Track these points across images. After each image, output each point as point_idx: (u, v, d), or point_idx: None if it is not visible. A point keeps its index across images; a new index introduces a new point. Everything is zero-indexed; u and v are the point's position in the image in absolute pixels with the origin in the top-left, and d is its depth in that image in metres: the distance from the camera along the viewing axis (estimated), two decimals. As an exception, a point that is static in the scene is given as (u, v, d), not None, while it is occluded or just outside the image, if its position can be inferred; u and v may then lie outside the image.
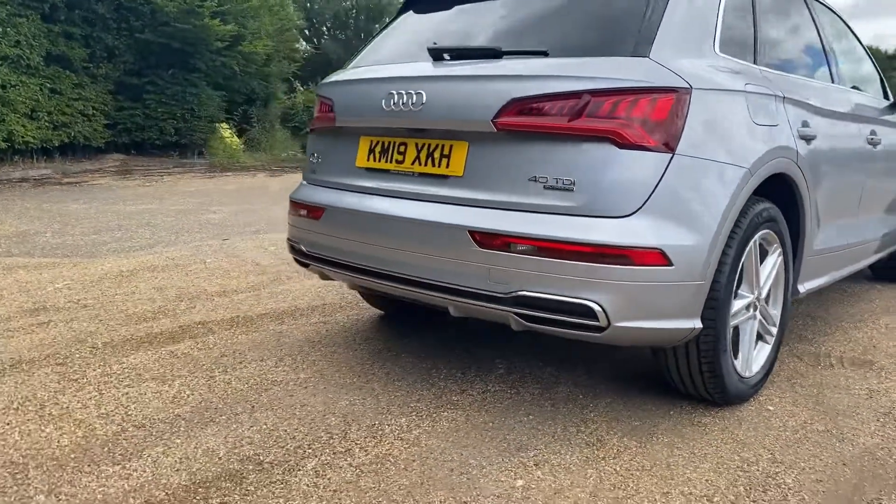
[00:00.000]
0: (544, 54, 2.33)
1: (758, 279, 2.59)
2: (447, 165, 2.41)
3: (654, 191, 2.12)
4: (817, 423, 2.51)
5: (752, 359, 2.65)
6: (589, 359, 3.10)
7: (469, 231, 2.27)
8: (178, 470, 2.11)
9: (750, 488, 2.05)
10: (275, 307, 3.89)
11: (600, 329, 2.14)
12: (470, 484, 2.05)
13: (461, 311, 2.46)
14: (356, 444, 2.29)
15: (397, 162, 2.57)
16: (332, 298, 4.10)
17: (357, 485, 2.04)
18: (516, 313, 2.24)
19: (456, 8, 2.87)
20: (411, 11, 3.09)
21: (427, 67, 2.53)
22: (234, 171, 14.30)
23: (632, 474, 2.12)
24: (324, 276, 3.00)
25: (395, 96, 2.50)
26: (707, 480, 2.09)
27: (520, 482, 2.07)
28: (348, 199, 2.70)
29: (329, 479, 2.07)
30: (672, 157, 2.14)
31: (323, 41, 34.75)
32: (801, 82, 3.03)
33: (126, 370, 2.90)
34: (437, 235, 2.36)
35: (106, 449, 2.23)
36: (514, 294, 2.20)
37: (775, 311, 2.77)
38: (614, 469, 2.15)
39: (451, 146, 2.41)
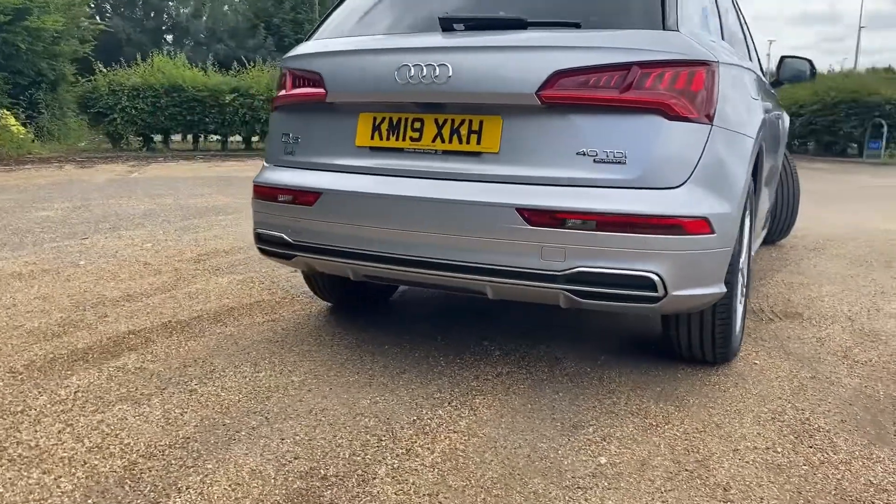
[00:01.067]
0: (576, 26, 2.29)
1: (750, 241, 2.78)
2: (478, 142, 2.30)
3: (698, 161, 2.18)
4: (802, 371, 2.75)
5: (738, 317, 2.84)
6: (571, 332, 3.14)
7: (518, 209, 2.18)
8: (237, 499, 1.82)
9: (798, 437, 2.20)
10: (204, 309, 3.48)
11: (657, 299, 2.16)
12: (557, 467, 1.99)
13: (501, 294, 2.36)
14: (413, 443, 2.12)
15: (412, 140, 2.40)
16: (261, 295, 3.76)
17: (447, 484, 1.90)
18: (571, 290, 2.19)
19: None
20: None
21: (442, 38, 2.38)
22: (34, 164, 12.57)
23: (694, 437, 2.18)
24: (310, 268, 2.74)
25: (412, 69, 2.32)
26: (758, 434, 2.21)
27: (602, 459, 2.04)
28: (353, 181, 2.47)
29: (413, 483, 1.90)
30: (711, 129, 2.21)
31: (107, 18, 31.62)
32: (751, 63, 3.28)
33: (78, 394, 2.44)
34: (476, 215, 2.24)
35: (129, 487, 1.86)
36: (571, 271, 2.16)
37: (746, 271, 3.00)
38: (675, 434, 2.19)
39: (480, 121, 2.30)
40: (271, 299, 3.69)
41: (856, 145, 15.58)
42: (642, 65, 2.14)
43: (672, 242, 2.13)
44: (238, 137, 18.05)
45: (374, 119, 2.47)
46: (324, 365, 2.75)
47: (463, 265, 2.30)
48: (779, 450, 2.11)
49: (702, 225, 2.17)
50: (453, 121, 2.33)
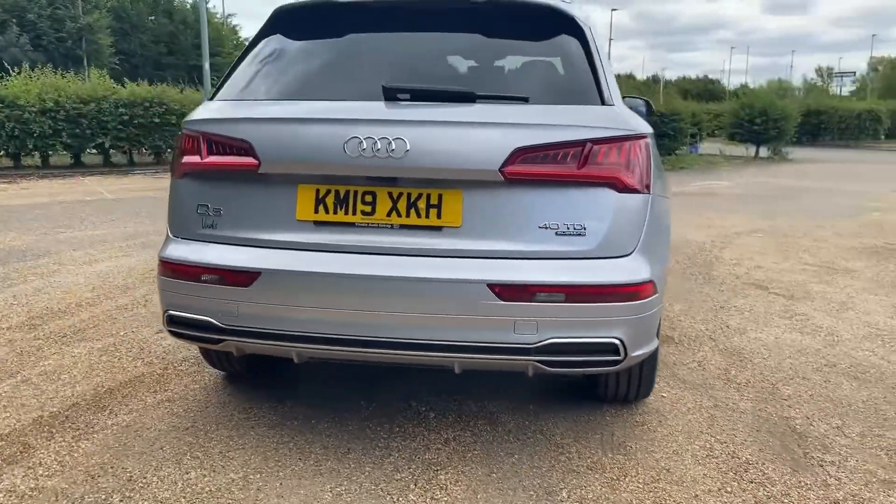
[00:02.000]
0: (525, 100, 2.32)
1: None
2: (438, 216, 2.24)
3: (644, 229, 2.32)
4: (704, 400, 3.04)
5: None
6: (490, 381, 3.18)
7: (489, 285, 2.17)
8: None
9: (737, 473, 2.43)
10: (75, 393, 3.03)
11: (618, 362, 2.27)
12: (556, 544, 2.02)
13: (468, 367, 2.33)
14: (406, 538, 2.03)
15: (364, 214, 2.28)
16: (136, 367, 3.36)
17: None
18: (542, 361, 2.23)
19: (349, 37, 2.63)
20: (279, 35, 2.69)
21: (396, 110, 2.29)
22: None
23: (656, 488, 2.32)
24: (241, 352, 2.49)
25: (364, 141, 2.21)
26: (705, 476, 2.41)
27: (590, 526, 2.11)
28: (297, 258, 2.29)
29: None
30: (650, 198, 2.36)
31: None
32: None
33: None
34: (443, 292, 2.19)
35: None
36: (543, 343, 2.19)
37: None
38: (638, 487, 2.32)
39: (439, 195, 2.24)
40: (151, 372, 3.30)
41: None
42: (595, 141, 2.23)
43: (631, 308, 2.24)
44: None
45: (318, 191, 2.31)
46: (257, 453, 2.52)
47: (428, 343, 2.23)
48: (729, 490, 2.32)
49: (650, 287, 2.31)
50: (409, 194, 2.26)
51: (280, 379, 3.22)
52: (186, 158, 2.47)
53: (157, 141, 16.12)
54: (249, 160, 2.33)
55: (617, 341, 2.23)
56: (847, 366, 3.49)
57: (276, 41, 2.69)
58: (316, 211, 2.31)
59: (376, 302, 2.23)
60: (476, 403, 2.95)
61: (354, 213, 2.29)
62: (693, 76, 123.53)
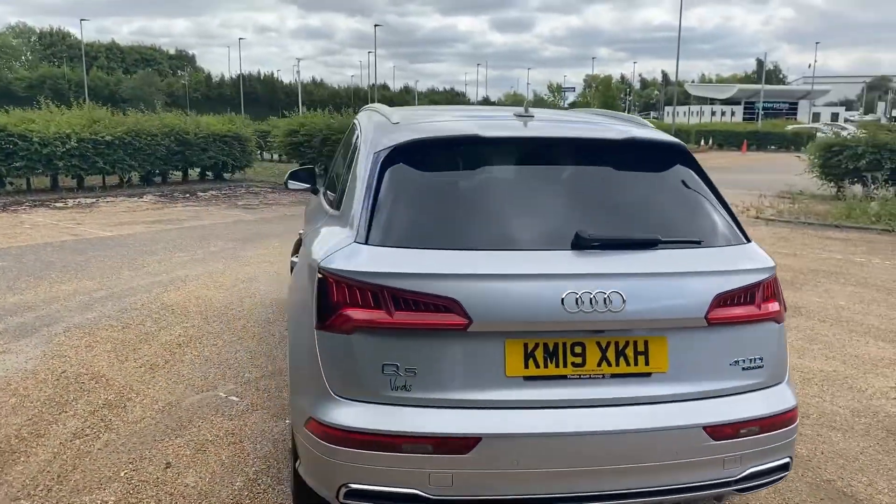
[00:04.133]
0: (697, 243, 2.47)
1: None
2: (646, 363, 2.30)
3: (787, 354, 2.59)
4: None
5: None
6: None
7: (704, 427, 2.29)
8: None
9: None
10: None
11: (783, 477, 2.53)
12: None
13: None
14: None
15: (574, 365, 2.26)
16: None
17: None
18: (739, 489, 2.40)
19: (486, 173, 2.58)
20: (404, 165, 2.54)
21: (609, 263, 2.30)
22: None
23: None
24: None
25: (581, 295, 2.20)
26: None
27: None
28: (514, 418, 2.20)
29: None
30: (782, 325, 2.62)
31: None
32: None
33: None
34: (662, 439, 2.26)
35: None
36: (744, 474, 2.36)
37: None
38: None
39: (645, 342, 2.31)
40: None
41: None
42: (764, 280, 2.46)
43: (794, 429, 2.50)
44: None
45: (526, 346, 2.24)
46: None
47: (643, 491, 2.29)
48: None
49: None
50: (617, 343, 2.29)
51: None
52: (363, 314, 2.24)
53: None
54: (457, 319, 2.19)
55: (789, 459, 2.47)
56: None
57: (404, 174, 2.53)
58: (526, 366, 2.25)
59: (597, 456, 2.23)
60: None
61: (565, 365, 2.26)
62: (440, 88, 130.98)
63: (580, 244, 2.32)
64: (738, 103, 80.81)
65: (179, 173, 17.35)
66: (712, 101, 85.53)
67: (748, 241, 2.58)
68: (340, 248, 2.39)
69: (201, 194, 15.25)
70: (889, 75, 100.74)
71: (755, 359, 2.42)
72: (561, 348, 2.26)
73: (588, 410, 2.25)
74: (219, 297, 6.48)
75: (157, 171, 16.46)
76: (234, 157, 17.52)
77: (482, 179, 2.56)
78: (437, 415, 2.21)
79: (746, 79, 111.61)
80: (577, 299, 2.20)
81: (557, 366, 2.26)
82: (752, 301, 2.40)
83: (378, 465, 2.21)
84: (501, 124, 2.77)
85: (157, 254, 8.46)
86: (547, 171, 2.62)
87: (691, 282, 2.34)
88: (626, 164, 2.64)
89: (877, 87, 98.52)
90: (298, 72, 67.73)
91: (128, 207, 12.91)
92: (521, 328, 2.23)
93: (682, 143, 2.74)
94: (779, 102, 79.12)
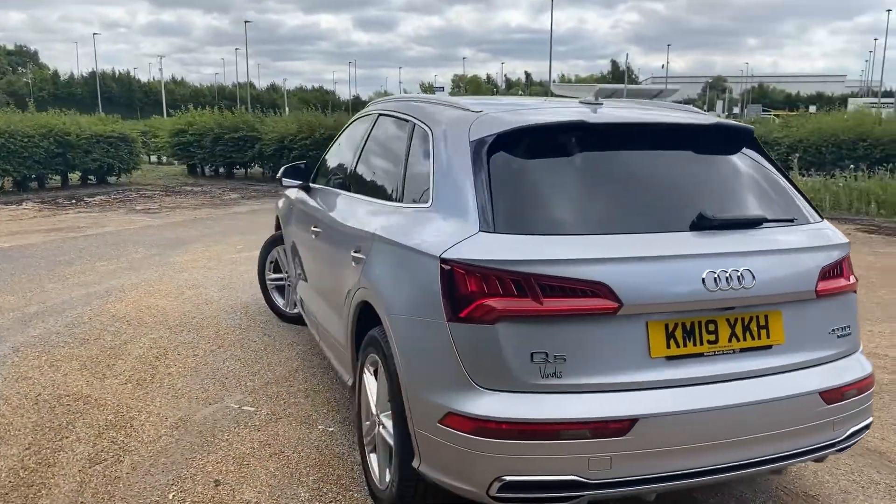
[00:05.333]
0: (791, 221, 2.61)
1: None
2: (767, 336, 2.42)
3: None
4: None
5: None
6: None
7: (819, 393, 2.43)
8: None
9: None
10: None
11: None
12: None
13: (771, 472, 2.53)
14: None
15: (709, 343, 2.34)
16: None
17: None
18: (839, 450, 2.57)
19: (589, 158, 2.60)
20: (505, 154, 2.52)
21: (739, 242, 2.40)
22: None
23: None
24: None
25: (718, 274, 2.29)
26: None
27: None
28: (665, 397, 2.24)
29: None
30: None
31: None
32: None
33: None
34: (788, 407, 2.38)
35: None
36: (847, 434, 2.54)
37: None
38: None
39: (765, 316, 2.42)
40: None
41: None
42: (847, 255, 2.65)
43: (872, 393, 2.69)
44: None
45: (667, 326, 2.29)
46: None
47: (769, 458, 2.39)
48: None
49: None
50: (743, 318, 2.38)
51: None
52: (508, 303, 2.20)
53: None
54: (608, 303, 2.21)
55: (871, 419, 2.68)
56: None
57: (513, 162, 2.52)
58: (668, 346, 2.30)
59: (735, 428, 2.32)
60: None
61: (701, 343, 2.34)
62: (306, 86, 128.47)
63: (701, 225, 2.39)
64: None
65: (59, 178, 15.97)
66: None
67: (822, 218, 2.76)
68: (462, 238, 2.33)
69: (89, 200, 14.13)
70: (724, 76, 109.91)
71: (846, 327, 2.60)
72: (697, 327, 2.33)
73: (724, 385, 2.33)
74: (171, 305, 6.06)
75: (34, 176, 15.07)
76: (121, 160, 16.39)
77: (593, 164, 2.58)
78: (592, 400, 2.21)
79: (603, 79, 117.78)
80: (715, 278, 2.28)
81: (695, 344, 2.33)
82: (842, 273, 2.59)
83: (535, 454, 2.18)
84: (593, 112, 2.78)
85: (73, 264, 7.77)
86: (649, 155, 2.68)
87: (802, 257, 2.49)
88: (712, 148, 2.76)
89: (715, 87, 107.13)
90: (161, 70, 64.22)
91: (11, 216, 11.74)
92: (665, 309, 2.28)
93: (752, 127, 2.89)
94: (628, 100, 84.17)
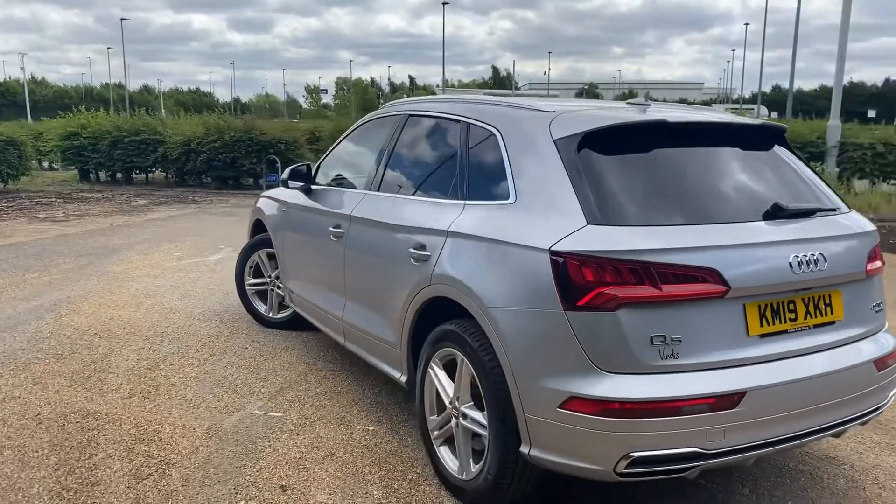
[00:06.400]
0: (834, 211, 2.91)
1: None
2: (831, 312, 2.70)
3: None
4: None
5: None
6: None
7: (873, 361, 2.74)
8: None
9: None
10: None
11: None
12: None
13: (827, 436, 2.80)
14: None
15: (791, 321, 2.58)
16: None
17: None
18: (880, 412, 2.89)
19: (664, 155, 2.79)
20: (589, 151, 2.67)
21: (814, 229, 2.68)
22: None
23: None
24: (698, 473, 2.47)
25: (801, 259, 2.54)
26: None
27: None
28: (763, 372, 2.46)
29: None
30: None
31: None
32: None
33: None
34: (852, 375, 2.67)
35: None
36: (890, 397, 2.86)
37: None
38: None
39: (829, 295, 2.70)
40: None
41: (251, 179, 17.29)
42: (877, 242, 2.99)
43: None
44: None
45: (759, 307, 2.51)
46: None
47: (833, 424, 2.66)
48: None
49: None
50: (814, 298, 2.65)
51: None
52: (629, 290, 2.35)
53: None
54: (718, 288, 2.40)
55: (901, 385, 3.04)
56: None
57: (603, 158, 2.67)
58: (761, 325, 2.53)
59: (815, 397, 2.57)
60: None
61: (785, 321, 2.58)
62: (180, 87, 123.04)
63: (775, 214, 2.64)
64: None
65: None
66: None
67: (850, 208, 3.10)
68: (571, 231, 2.46)
69: (-21, 209, 13.00)
70: (596, 82, 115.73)
71: (880, 303, 2.94)
72: (781, 306, 2.57)
73: (806, 358, 2.59)
74: (135, 316, 5.77)
75: None
76: (9, 165, 15.14)
77: (675, 160, 2.77)
78: (705, 377, 2.40)
79: (485, 84, 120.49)
80: (799, 262, 2.53)
81: (781, 322, 2.57)
82: (877, 256, 2.92)
83: (659, 430, 2.34)
84: (642, 113, 2.97)
85: (0, 277, 7.20)
86: (714, 151, 2.90)
87: (856, 242, 2.80)
88: (756, 144, 3.02)
89: (587, 93, 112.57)
90: (23, 68, 59.48)
91: None
92: (759, 291, 2.51)
93: (785, 126, 3.19)
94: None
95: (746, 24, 61.81)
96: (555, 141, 2.73)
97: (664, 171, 2.73)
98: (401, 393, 4.13)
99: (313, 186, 4.53)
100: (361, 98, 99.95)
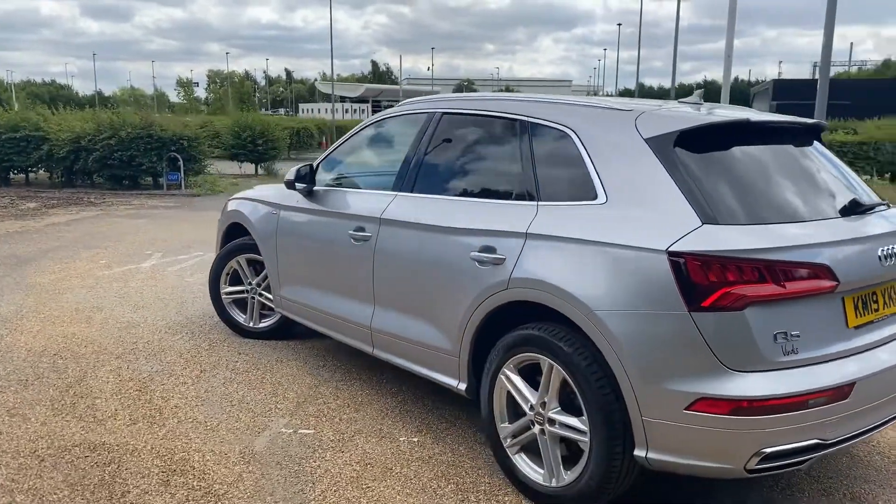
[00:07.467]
0: (886, 205, 3.07)
1: None
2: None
3: None
4: None
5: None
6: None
7: (934, 345, 2.92)
8: None
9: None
10: None
11: None
12: None
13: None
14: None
15: (874, 311, 2.71)
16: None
17: None
18: None
19: (746, 153, 2.85)
20: (680, 149, 2.68)
21: (878, 221, 2.78)
22: None
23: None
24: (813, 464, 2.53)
25: (888, 252, 2.66)
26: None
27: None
28: (864, 362, 2.57)
29: None
30: None
31: None
32: None
33: None
34: None
35: None
36: None
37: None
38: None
39: (893, 287, 2.86)
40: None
41: (150, 178, 16.15)
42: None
43: None
44: None
45: (854, 299, 2.61)
46: None
47: None
48: None
49: None
50: (886, 289, 2.79)
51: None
52: (757, 289, 2.38)
53: None
54: (830, 283, 2.48)
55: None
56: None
57: (698, 157, 2.70)
58: (857, 316, 2.63)
59: (885, 389, 2.71)
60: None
61: (871, 312, 2.71)
62: (31, 79, 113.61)
63: (853, 210, 2.76)
64: (367, 101, 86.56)
65: None
66: (343, 100, 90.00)
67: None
68: (686, 231, 2.45)
69: None
70: (472, 79, 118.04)
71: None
72: (869, 298, 2.70)
73: (891, 345, 2.73)
74: (91, 332, 5.25)
75: None
76: None
77: (759, 159, 2.83)
78: (823, 370, 2.48)
79: (364, 78, 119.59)
80: (885, 255, 2.66)
81: (869, 313, 2.69)
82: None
83: (788, 425, 2.38)
84: (697, 111, 3.01)
85: None
86: (785, 150, 2.99)
87: None
88: (804, 141, 3.13)
89: (467, 89, 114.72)
90: None
91: None
92: (857, 284, 2.61)
93: (826, 123, 3.34)
94: (399, 101, 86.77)
95: (619, 24, 64.68)
96: (646, 140, 2.71)
97: (753, 169, 2.79)
98: (428, 399, 4.00)
99: (316, 188, 4.29)
100: (238, 91, 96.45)
